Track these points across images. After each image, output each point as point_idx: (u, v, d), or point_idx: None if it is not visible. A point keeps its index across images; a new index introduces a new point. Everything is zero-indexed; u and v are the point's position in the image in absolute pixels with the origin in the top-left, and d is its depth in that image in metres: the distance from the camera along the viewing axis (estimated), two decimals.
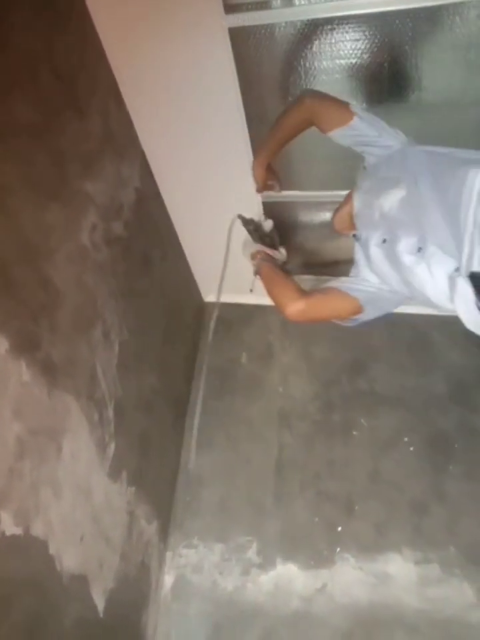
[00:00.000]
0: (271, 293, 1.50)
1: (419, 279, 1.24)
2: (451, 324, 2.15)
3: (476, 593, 1.70)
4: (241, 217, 1.72)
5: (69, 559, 1.28)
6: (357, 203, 1.39)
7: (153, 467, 1.85)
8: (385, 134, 1.32)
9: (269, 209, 2.05)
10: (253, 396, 2.21)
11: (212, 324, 2.05)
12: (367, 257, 1.37)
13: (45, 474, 1.21)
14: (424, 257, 1.21)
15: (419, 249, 1.20)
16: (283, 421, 2.11)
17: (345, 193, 2.05)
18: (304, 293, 1.38)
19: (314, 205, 2.20)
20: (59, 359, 1.28)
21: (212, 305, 2.50)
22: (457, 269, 1.15)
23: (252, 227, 1.70)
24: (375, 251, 1.33)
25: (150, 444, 1.83)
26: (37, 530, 1.17)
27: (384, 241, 1.28)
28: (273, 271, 1.55)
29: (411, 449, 1.97)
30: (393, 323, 2.28)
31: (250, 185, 1.90)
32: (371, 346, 2.25)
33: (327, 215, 2.32)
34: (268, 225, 1.73)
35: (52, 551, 1.22)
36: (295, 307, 1.34)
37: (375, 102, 1.80)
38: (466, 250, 1.13)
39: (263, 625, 1.73)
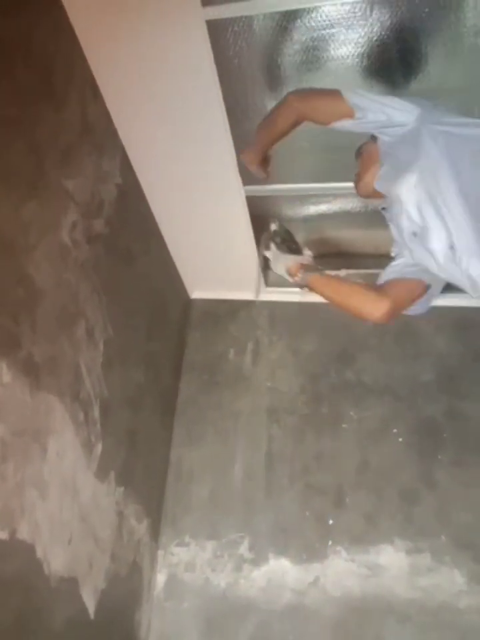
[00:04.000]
0: (342, 303, 1.38)
1: (451, 273, 1.22)
2: (438, 314, 2.18)
3: (466, 579, 1.71)
4: (270, 232, 1.55)
5: (57, 561, 1.27)
6: (379, 182, 1.34)
7: (141, 465, 1.83)
8: (395, 114, 1.26)
9: (252, 204, 2.03)
10: (241, 391, 2.20)
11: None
12: (400, 231, 1.32)
13: (29, 476, 1.19)
14: (455, 256, 1.19)
15: (451, 247, 1.17)
16: (271, 415, 2.11)
17: (331, 185, 2.06)
18: (380, 290, 1.30)
19: (299, 198, 2.20)
20: (41, 358, 1.26)
21: (198, 301, 2.49)
22: None
23: (279, 239, 1.53)
24: (412, 245, 1.28)
25: (138, 442, 1.81)
26: (23, 533, 1.15)
27: (414, 234, 1.25)
28: (329, 279, 1.41)
29: (400, 439, 1.98)
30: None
31: (232, 179, 1.90)
32: (357, 337, 2.25)
33: (312, 208, 2.32)
34: (283, 231, 1.58)
35: (39, 553, 1.20)
36: (383, 308, 1.25)
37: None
38: None
39: (257, 620, 1.72)
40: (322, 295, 1.40)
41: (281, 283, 2.50)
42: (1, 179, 1.16)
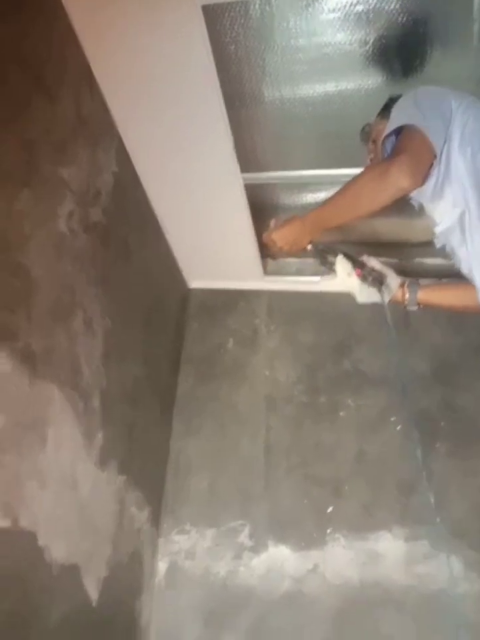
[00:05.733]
0: (455, 308, 1.38)
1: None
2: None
3: (462, 566, 1.72)
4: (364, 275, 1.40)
5: (58, 550, 1.27)
6: None
7: (142, 455, 1.84)
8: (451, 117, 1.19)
9: (252, 192, 2.02)
10: (240, 381, 2.21)
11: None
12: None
13: (29, 465, 1.19)
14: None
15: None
16: (269, 404, 2.11)
17: (331, 172, 2.03)
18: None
19: (298, 186, 2.18)
20: (39, 348, 1.26)
21: (197, 290, 2.48)
22: None
23: (368, 273, 1.40)
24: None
25: (138, 432, 1.82)
26: (24, 521, 1.15)
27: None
28: (434, 289, 1.39)
29: (398, 428, 1.98)
30: (374, 304, 2.27)
31: (230, 166, 1.88)
32: (353, 328, 2.25)
33: (310, 196, 2.31)
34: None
35: (41, 542, 1.21)
36: None
37: (353, 80, 1.78)
38: None
39: (257, 608, 1.74)
40: (435, 306, 1.39)
41: (279, 271, 2.51)
42: None
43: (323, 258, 1.43)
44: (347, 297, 2.19)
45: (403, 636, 1.64)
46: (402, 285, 1.40)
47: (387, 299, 1.39)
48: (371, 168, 1.20)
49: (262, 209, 2.19)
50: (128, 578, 1.68)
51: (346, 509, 1.84)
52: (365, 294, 1.41)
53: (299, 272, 2.48)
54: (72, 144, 1.47)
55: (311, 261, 2.46)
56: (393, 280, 1.40)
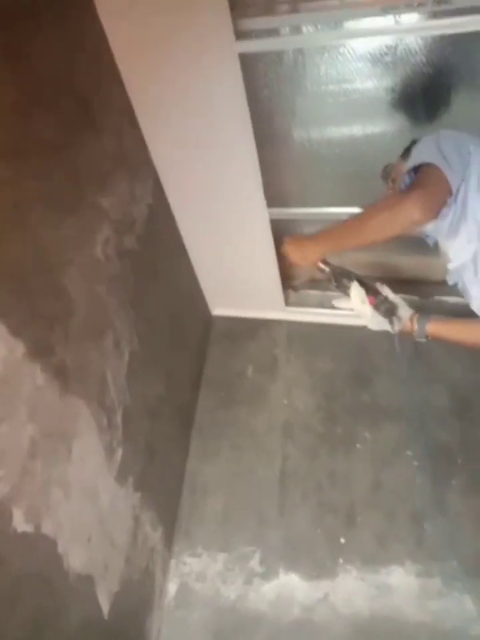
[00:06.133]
0: (464, 343, 1.42)
1: None
2: None
3: (477, 606, 1.71)
4: (378, 301, 1.46)
5: (76, 559, 1.32)
6: None
7: (158, 474, 1.89)
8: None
9: (276, 226, 2.11)
10: (258, 408, 2.25)
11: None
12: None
13: (55, 474, 1.25)
14: None
15: None
16: (286, 432, 2.15)
17: (352, 210, 2.12)
18: None
19: (321, 222, 2.27)
20: (72, 365, 1.34)
21: (219, 318, 2.56)
22: None
23: (382, 303, 1.46)
24: None
25: (156, 451, 1.87)
26: (47, 528, 1.21)
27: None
28: (444, 323, 1.43)
29: (415, 463, 1.99)
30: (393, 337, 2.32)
31: (257, 202, 1.98)
32: (373, 360, 2.29)
33: None
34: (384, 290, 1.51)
35: (60, 549, 1.26)
36: None
37: (379, 124, 1.87)
38: None
39: (265, 633, 1.74)
40: (443, 340, 1.43)
41: (301, 303, 2.57)
42: (43, 201, 1.25)
43: (339, 281, 1.50)
44: (366, 330, 2.26)
45: None
46: (412, 317, 1.45)
47: (397, 329, 1.45)
48: (387, 198, 1.28)
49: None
50: (139, 595, 1.71)
51: (359, 540, 1.85)
52: (376, 322, 1.47)
53: (320, 304, 2.55)
54: (113, 175, 1.58)
55: (331, 294, 2.53)
56: (404, 311, 1.46)
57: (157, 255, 1.96)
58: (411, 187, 1.22)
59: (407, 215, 1.14)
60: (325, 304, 2.52)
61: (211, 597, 1.83)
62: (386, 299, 1.46)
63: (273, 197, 2.00)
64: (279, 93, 1.83)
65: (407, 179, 1.31)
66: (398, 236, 1.18)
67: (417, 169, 1.28)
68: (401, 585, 1.76)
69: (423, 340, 1.48)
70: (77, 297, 1.38)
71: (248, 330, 2.49)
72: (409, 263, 2.49)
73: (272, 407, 2.25)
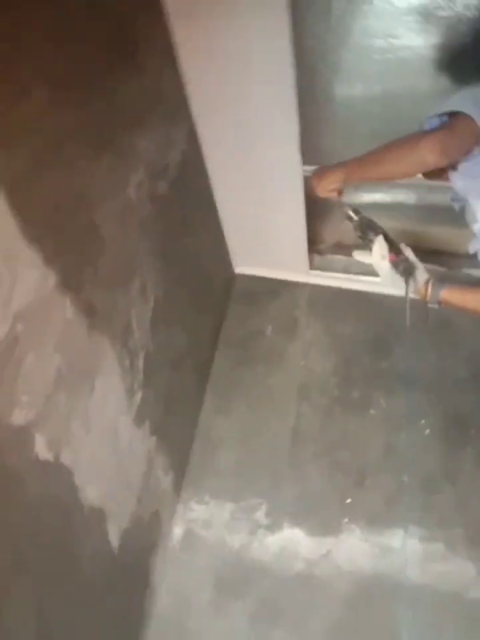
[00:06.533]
0: (476, 313, 1.38)
1: None
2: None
3: (476, 573, 1.74)
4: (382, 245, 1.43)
5: (91, 492, 1.36)
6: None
7: (174, 422, 1.92)
8: None
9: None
10: (275, 367, 2.26)
11: None
12: None
13: (77, 408, 1.28)
14: None
15: None
16: (302, 393, 2.16)
17: None
18: None
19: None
20: (99, 304, 1.34)
21: (242, 276, 2.54)
22: None
23: (401, 262, 1.44)
24: None
25: (173, 401, 1.90)
26: (66, 458, 1.24)
27: None
28: (458, 291, 1.40)
29: (427, 431, 2.00)
30: (416, 306, 2.29)
31: (293, 158, 1.94)
32: (393, 327, 2.27)
33: (366, 196, 2.34)
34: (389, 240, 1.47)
35: (77, 481, 1.29)
36: None
37: (425, 82, 1.80)
38: None
39: (267, 584, 1.79)
40: (457, 308, 1.39)
41: (326, 267, 2.55)
42: (82, 133, 1.23)
43: (364, 232, 1.48)
44: (390, 297, 2.23)
45: (410, 629, 1.66)
46: (427, 282, 1.43)
47: (411, 291, 1.43)
48: (410, 135, 1.24)
49: (316, 205, 2.23)
50: (147, 535, 1.76)
51: (366, 501, 1.88)
52: (390, 280, 1.45)
53: (345, 269, 2.51)
54: (150, 115, 1.55)
55: (355, 262, 2.49)
56: (422, 274, 1.44)
57: (187, 205, 1.94)
58: (435, 129, 1.21)
59: (421, 154, 1.15)
60: (350, 269, 2.49)
61: (215, 544, 1.87)
62: (407, 259, 1.45)
63: (309, 153, 1.95)
64: (325, 44, 1.76)
65: (434, 121, 1.27)
66: (415, 174, 1.22)
67: (450, 116, 1.24)
68: (404, 548, 1.79)
69: (436, 306, 1.45)
70: (108, 237, 1.38)
71: (270, 290, 2.47)
72: (435, 233, 2.44)
73: (289, 367, 2.26)
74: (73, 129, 1.20)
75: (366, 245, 1.48)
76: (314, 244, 2.55)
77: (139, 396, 1.61)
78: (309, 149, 1.95)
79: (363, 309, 2.35)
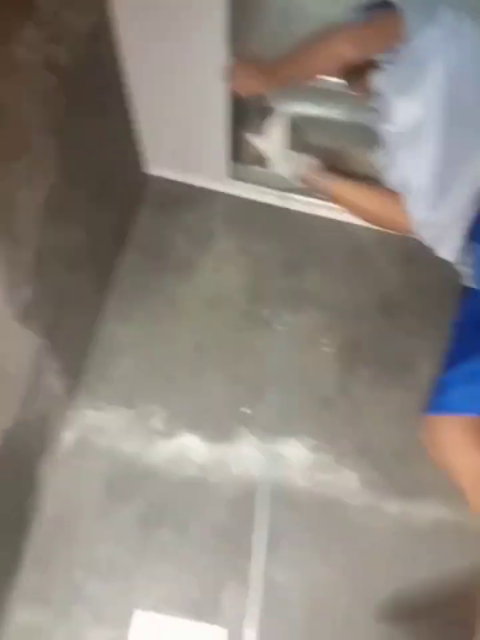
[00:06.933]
0: (376, 213, 1.40)
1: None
2: (393, 244, 2.21)
3: (361, 482, 1.84)
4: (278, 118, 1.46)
5: None
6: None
7: (69, 327, 1.79)
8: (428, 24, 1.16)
9: None
10: (184, 278, 2.17)
11: None
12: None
13: None
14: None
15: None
16: (209, 305, 2.10)
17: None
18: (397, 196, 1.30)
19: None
20: None
21: (155, 178, 2.36)
22: None
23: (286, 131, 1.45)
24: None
25: (68, 303, 1.76)
26: None
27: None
28: (358, 186, 1.42)
29: (327, 349, 2.03)
30: (334, 230, 2.28)
31: (219, 45, 1.74)
32: (309, 249, 2.25)
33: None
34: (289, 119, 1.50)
35: None
36: (408, 220, 1.30)
37: None
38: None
39: (159, 487, 1.79)
40: (348, 203, 1.40)
41: (247, 179, 2.42)
42: None
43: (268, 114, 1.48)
44: (311, 218, 2.19)
45: (293, 532, 1.75)
46: (319, 168, 1.40)
47: (300, 171, 1.46)
48: (326, 28, 1.21)
49: (244, 109, 2.07)
50: (33, 438, 1.67)
51: (262, 412, 1.90)
52: (284, 156, 1.41)
53: (267, 183, 2.41)
54: None
55: (279, 177, 2.39)
56: (314, 160, 1.45)
57: (94, 85, 1.71)
58: (355, 22, 1.21)
59: (334, 45, 1.17)
60: (272, 183, 2.39)
61: (107, 449, 1.83)
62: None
63: (239, 41, 1.76)
64: None
65: (360, 14, 1.20)
66: (334, 69, 1.25)
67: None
68: (294, 456, 1.85)
69: (324, 197, 1.44)
70: None
71: (185, 196, 2.33)
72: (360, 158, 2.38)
73: (199, 279, 2.17)
74: None
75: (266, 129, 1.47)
76: (238, 152, 2.40)
77: (27, 292, 1.46)
78: (240, 36, 1.76)
79: (281, 228, 2.28)
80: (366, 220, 1.45)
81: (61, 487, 1.77)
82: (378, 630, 1.68)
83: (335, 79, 1.89)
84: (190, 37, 1.75)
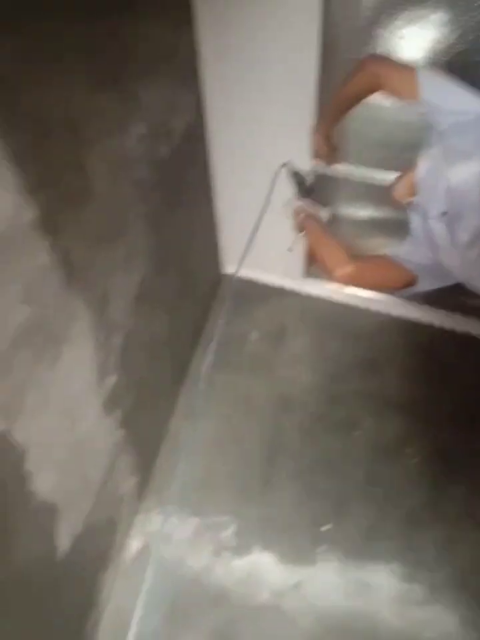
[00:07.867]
0: (317, 253, 1.48)
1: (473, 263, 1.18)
2: (470, 343, 2.07)
3: (459, 622, 1.55)
4: (288, 166, 1.71)
5: (43, 483, 1.13)
6: (423, 168, 1.28)
7: (144, 418, 1.71)
8: (464, 101, 1.18)
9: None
10: (257, 376, 2.08)
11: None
12: (426, 229, 1.28)
13: (37, 375, 1.06)
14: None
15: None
16: (283, 406, 1.98)
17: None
18: (353, 257, 1.36)
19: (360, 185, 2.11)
20: (78, 257, 1.15)
21: (232, 275, 2.37)
22: None
23: (298, 180, 1.70)
24: (434, 225, 1.24)
25: (147, 393, 1.69)
26: (18, 434, 1.02)
27: (444, 213, 1.18)
28: (320, 230, 1.52)
29: (414, 460, 1.84)
30: (410, 330, 2.18)
31: (305, 149, 1.81)
32: (386, 349, 2.14)
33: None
34: (310, 179, 1.73)
35: (29, 465, 1.07)
36: (343, 270, 1.33)
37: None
38: None
39: (226, 613, 1.56)
40: (309, 240, 1.56)
41: (321, 277, 2.41)
42: (81, 56, 1.07)
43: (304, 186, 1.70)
44: (385, 316, 2.11)
45: None
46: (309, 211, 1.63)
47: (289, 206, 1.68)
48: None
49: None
50: (99, 544, 1.52)
51: (344, 530, 1.69)
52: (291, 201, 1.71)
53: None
54: (156, 69, 1.40)
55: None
56: (314, 207, 1.66)
57: (186, 181, 1.78)
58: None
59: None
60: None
61: (174, 562, 1.65)
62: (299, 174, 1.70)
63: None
64: (355, 26, 1.65)
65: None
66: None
67: None
68: (382, 587, 1.60)
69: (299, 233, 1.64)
70: (97, 183, 1.19)
71: (260, 294, 2.32)
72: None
73: (271, 377, 2.08)
74: (74, 47, 1.03)
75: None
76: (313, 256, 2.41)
77: (112, 379, 1.40)
78: None
79: (355, 324, 2.21)
80: (313, 254, 1.56)
81: (118, 604, 1.57)
82: None
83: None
84: (275, 143, 1.82)
